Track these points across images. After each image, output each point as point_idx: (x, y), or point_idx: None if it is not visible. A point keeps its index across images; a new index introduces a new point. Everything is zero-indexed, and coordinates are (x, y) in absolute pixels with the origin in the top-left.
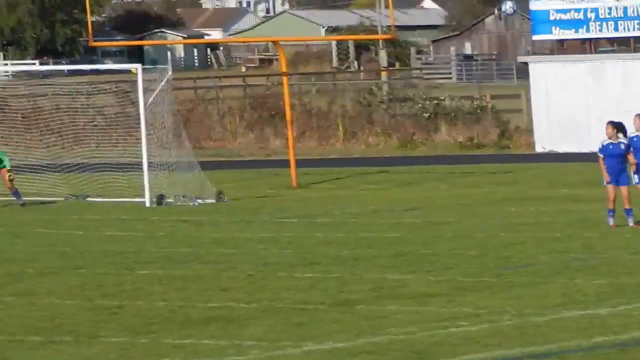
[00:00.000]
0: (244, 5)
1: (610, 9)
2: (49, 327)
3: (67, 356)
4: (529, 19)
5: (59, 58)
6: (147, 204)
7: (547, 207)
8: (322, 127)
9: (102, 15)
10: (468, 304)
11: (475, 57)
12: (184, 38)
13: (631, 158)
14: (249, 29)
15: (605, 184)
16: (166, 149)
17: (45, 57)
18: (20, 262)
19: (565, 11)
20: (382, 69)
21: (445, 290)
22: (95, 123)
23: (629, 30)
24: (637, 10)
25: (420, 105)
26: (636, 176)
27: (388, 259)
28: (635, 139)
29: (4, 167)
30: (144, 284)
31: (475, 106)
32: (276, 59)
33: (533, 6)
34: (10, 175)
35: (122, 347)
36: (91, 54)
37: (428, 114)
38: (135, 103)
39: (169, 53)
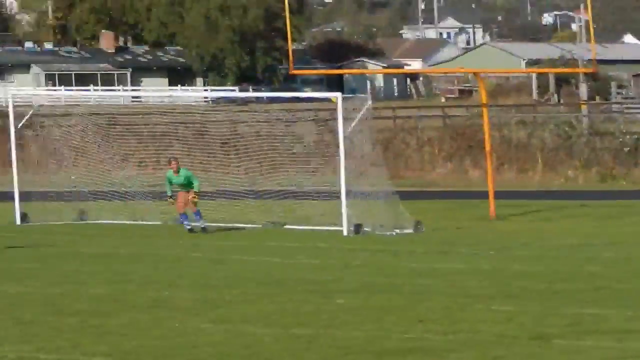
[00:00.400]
0: (445, 36)
1: None
2: (245, 355)
3: None
4: None
5: (259, 85)
6: (345, 233)
7: None
8: (520, 159)
9: (303, 44)
10: None
11: None
12: (384, 67)
13: None
14: (449, 60)
15: None
16: (364, 178)
17: (245, 84)
18: (218, 289)
19: None
20: (582, 102)
21: None
22: (293, 150)
23: None
24: None
25: (620, 139)
26: None
27: (586, 294)
28: None
29: (193, 188)
30: (341, 313)
31: None
32: (476, 90)
33: None
34: (195, 197)
35: None
36: (291, 82)
37: (628, 149)
38: (334, 131)
39: (368, 82)
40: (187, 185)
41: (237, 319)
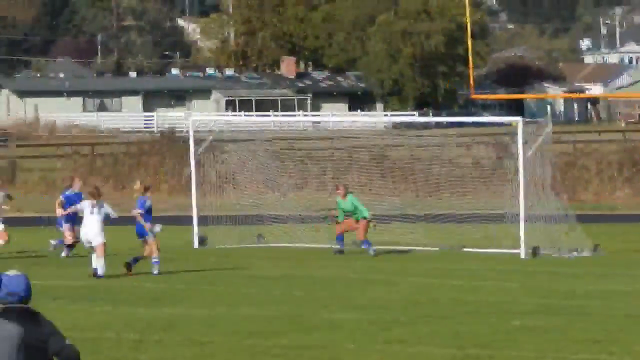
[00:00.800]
0: (626, 61)
1: None
2: None
3: None
4: None
5: (438, 110)
6: (523, 256)
7: None
8: None
9: (483, 69)
10: None
11: None
12: (565, 92)
13: None
14: (630, 85)
15: None
16: (543, 201)
17: (425, 109)
18: (394, 310)
19: None
20: None
21: None
22: (473, 174)
23: None
24: None
25: None
26: None
27: None
28: None
29: (364, 217)
30: (517, 334)
31: None
32: None
33: None
34: (374, 224)
35: None
36: (470, 107)
37: None
38: (514, 155)
39: (548, 107)
40: (354, 211)
41: (412, 340)
